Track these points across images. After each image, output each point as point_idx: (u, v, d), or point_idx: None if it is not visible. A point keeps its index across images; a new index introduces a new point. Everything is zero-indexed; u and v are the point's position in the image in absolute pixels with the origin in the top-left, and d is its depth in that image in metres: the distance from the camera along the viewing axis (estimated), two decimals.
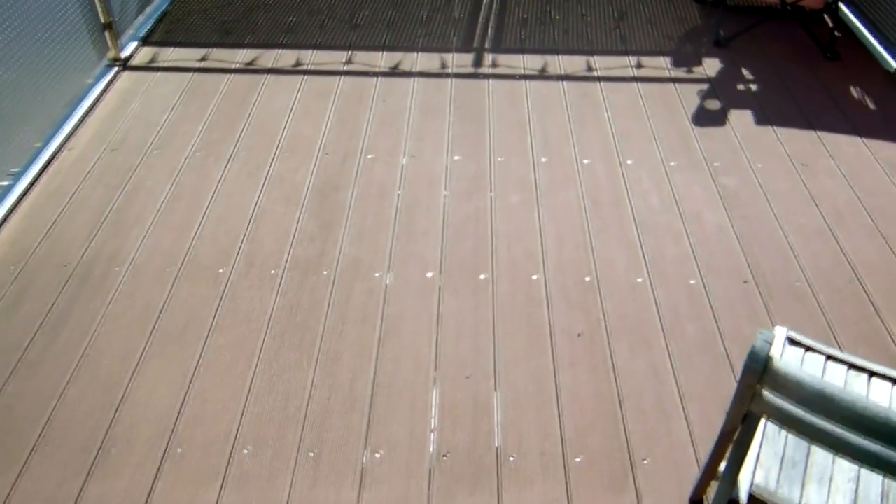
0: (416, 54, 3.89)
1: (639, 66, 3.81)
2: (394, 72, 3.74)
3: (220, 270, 2.64)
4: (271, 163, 3.14)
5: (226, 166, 3.12)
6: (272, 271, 2.64)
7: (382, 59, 3.84)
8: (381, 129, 3.34)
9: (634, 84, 3.67)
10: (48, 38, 3.19)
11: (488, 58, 3.87)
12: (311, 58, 3.84)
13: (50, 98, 3.25)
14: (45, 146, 3.19)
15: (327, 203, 2.93)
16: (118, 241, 2.74)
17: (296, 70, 3.74)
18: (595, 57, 3.88)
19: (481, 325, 2.45)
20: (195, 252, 2.71)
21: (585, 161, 3.16)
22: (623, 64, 3.83)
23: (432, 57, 3.87)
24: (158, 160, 3.14)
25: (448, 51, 3.93)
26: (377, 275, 2.63)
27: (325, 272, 2.64)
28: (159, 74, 3.71)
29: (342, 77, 3.69)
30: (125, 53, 3.83)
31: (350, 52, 3.90)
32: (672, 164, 3.15)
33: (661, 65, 3.83)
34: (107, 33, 3.68)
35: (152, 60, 3.81)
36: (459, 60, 3.85)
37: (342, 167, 3.12)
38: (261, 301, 2.53)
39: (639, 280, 2.61)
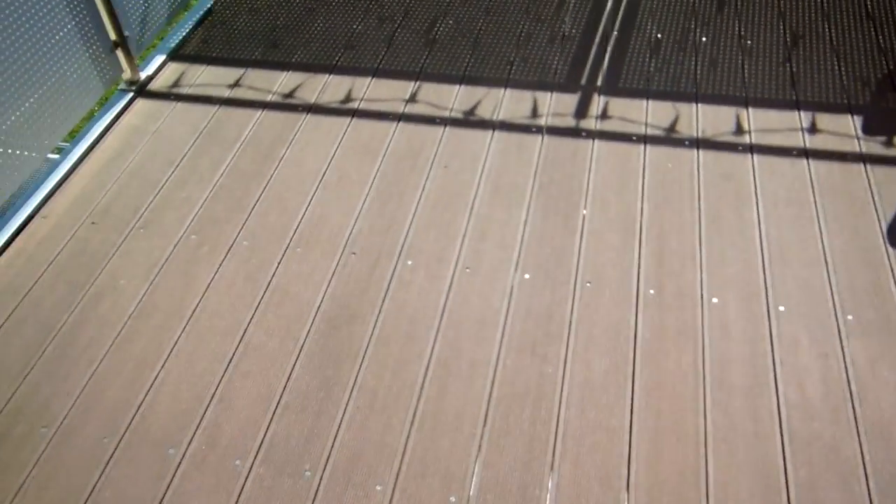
0: (501, 91, 2.93)
1: (813, 129, 2.68)
2: (468, 119, 2.81)
3: (171, 451, 1.91)
4: (279, 262, 2.35)
5: (220, 263, 2.36)
6: (236, 462, 1.88)
7: (457, 97, 2.91)
8: (433, 217, 2.46)
9: (803, 161, 2.56)
10: (40, 59, 2.50)
11: (598, 103, 2.85)
12: (366, 89, 2.97)
13: (31, 144, 2.59)
14: (16, 212, 2.55)
15: (336, 342, 2.12)
16: (54, 384, 2.07)
17: (343, 108, 2.89)
18: (750, 110, 2.77)
19: None
20: (145, 415, 1.99)
21: (714, 300, 2.16)
22: (790, 124, 2.71)
23: (523, 96, 2.90)
24: (141, 245, 2.43)
25: (546, 88, 2.94)
26: (379, 490, 1.81)
27: (307, 473, 1.85)
28: (179, 106, 2.96)
29: (398, 124, 2.81)
30: (148, 72, 3.11)
31: (417, 84, 2.99)
32: (850, 318, 2.09)
33: (846, 129, 2.67)
34: (119, 52, 2.96)
35: (177, 84, 3.07)
36: (558, 104, 2.86)
37: (369, 279, 2.28)
38: None
39: None
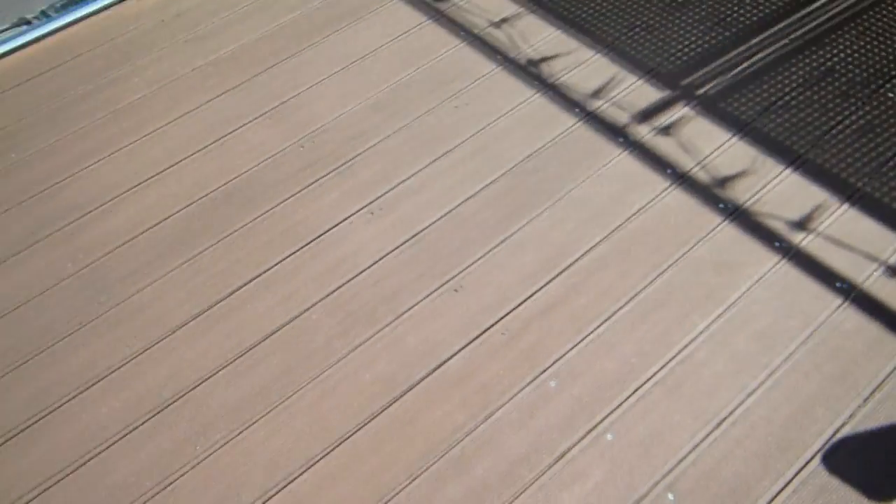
0: (590, 54, 2.46)
1: None
2: (525, 67, 2.44)
3: None
4: (194, 153, 2.38)
5: (171, 122, 2.45)
6: None
7: (544, 39, 2.51)
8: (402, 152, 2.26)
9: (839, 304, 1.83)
10: None
11: (675, 112, 2.27)
12: None
13: None
14: None
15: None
16: None
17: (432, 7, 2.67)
18: (846, 206, 2.01)
19: None
20: None
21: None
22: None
23: (606, 68, 2.41)
24: (146, 74, 2.60)
25: (639, 70, 2.40)
26: None
27: None
28: None
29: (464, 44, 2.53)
30: None
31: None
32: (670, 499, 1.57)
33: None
34: None
35: None
36: (632, 94, 2.33)
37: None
38: None
39: None
